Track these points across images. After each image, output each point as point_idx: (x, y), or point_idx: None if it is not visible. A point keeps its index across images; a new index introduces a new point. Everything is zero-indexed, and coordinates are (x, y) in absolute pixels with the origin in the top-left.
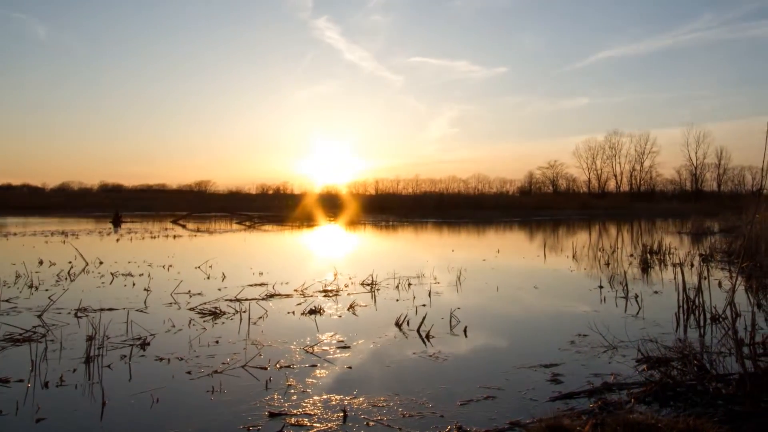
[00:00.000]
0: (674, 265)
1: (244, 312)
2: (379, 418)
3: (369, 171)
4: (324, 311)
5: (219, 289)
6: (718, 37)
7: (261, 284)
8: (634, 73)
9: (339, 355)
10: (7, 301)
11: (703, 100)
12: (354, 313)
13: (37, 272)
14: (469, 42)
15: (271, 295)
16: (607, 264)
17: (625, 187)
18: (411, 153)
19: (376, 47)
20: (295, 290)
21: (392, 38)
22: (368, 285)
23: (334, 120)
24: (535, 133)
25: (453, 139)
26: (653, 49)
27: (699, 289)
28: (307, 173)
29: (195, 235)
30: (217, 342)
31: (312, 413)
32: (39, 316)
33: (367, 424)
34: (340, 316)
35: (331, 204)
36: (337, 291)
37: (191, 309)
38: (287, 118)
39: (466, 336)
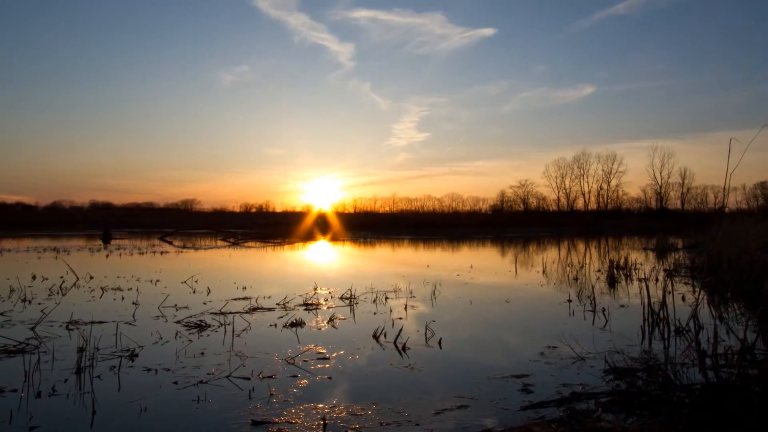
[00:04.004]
0: (640, 280)
1: (228, 325)
2: (357, 426)
3: (344, 188)
4: (305, 324)
5: (204, 303)
6: None
7: (244, 298)
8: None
9: (319, 366)
10: (1, 314)
11: None
12: (333, 326)
13: (30, 287)
14: None
15: (254, 309)
16: (576, 279)
17: (593, 206)
18: (378, 162)
19: None
20: (277, 304)
21: None
22: (347, 299)
23: (280, 123)
24: (517, 140)
25: (423, 147)
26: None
27: (663, 303)
28: (288, 191)
29: (181, 252)
30: (202, 353)
31: (293, 421)
32: (32, 329)
33: (346, 431)
34: (321, 329)
35: (312, 222)
36: (317, 305)
37: (178, 322)
38: (220, 116)
39: (440, 348)
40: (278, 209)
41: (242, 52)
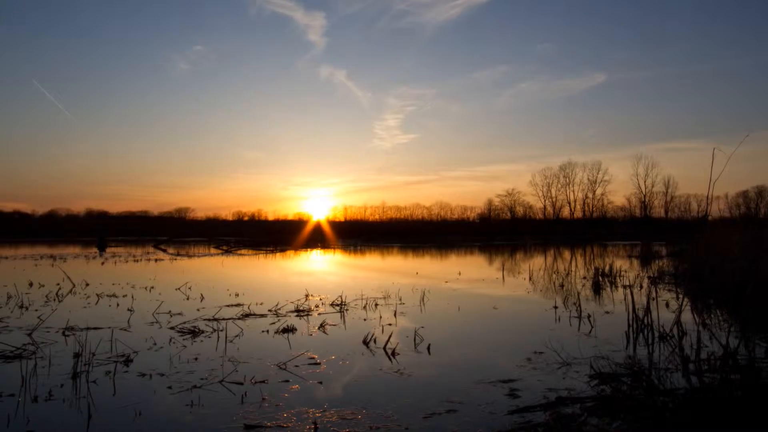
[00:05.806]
0: (624, 287)
1: (221, 331)
2: (347, 430)
3: (331, 196)
4: (296, 330)
5: (198, 310)
6: None
7: (237, 305)
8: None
9: (310, 371)
10: None
11: None
12: (324, 332)
13: (27, 293)
14: None
15: (247, 315)
16: (562, 286)
17: (578, 214)
18: (362, 168)
19: None
20: (269, 310)
21: None
22: (338, 305)
23: (254, 123)
24: (511, 141)
25: (408, 150)
26: None
27: (648, 309)
28: (279, 198)
29: (175, 259)
30: (196, 359)
31: (285, 425)
32: (29, 335)
33: None
34: (312, 335)
35: (303, 230)
36: (308, 311)
37: (172, 328)
38: (183, 112)
39: (429, 353)
40: (270, 217)
41: (193, 23)
